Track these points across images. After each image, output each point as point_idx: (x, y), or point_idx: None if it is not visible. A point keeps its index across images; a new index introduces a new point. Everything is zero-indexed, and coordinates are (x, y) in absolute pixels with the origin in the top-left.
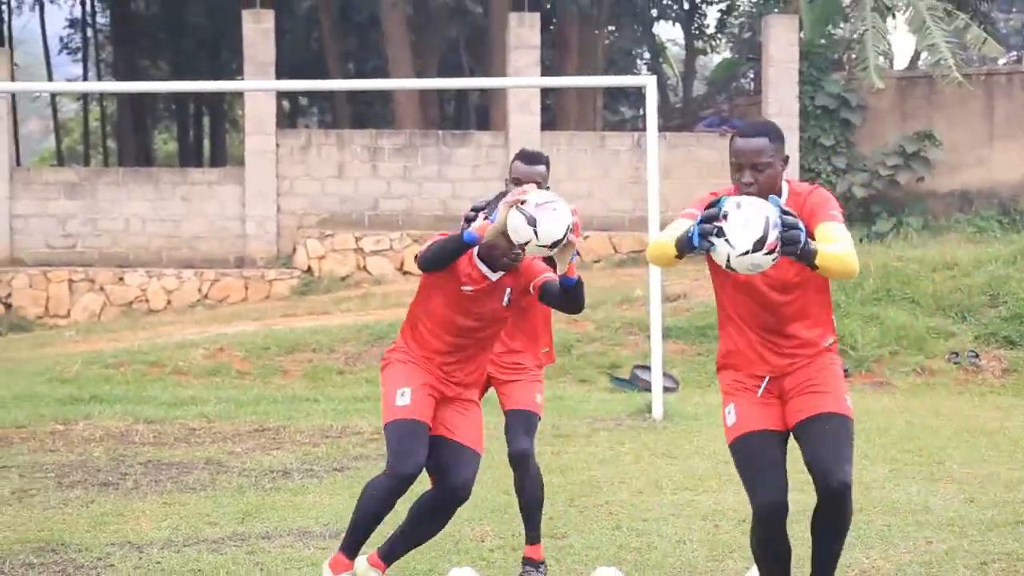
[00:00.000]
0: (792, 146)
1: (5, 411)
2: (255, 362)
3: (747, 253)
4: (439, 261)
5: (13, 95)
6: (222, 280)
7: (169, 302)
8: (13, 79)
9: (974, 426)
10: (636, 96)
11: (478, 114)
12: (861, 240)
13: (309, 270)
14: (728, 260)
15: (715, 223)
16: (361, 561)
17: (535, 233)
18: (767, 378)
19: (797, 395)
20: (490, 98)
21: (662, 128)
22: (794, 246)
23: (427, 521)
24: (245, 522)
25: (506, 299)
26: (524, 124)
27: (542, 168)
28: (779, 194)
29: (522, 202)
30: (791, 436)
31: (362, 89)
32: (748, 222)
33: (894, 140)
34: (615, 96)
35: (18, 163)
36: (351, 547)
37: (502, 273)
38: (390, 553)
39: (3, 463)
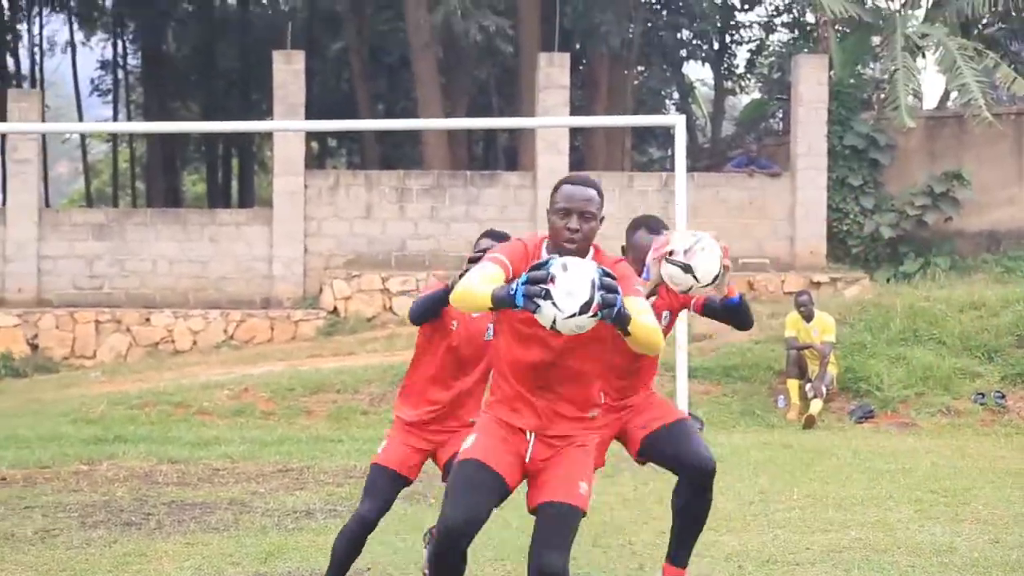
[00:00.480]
0: (820, 186)
1: (30, 451)
2: (280, 403)
3: (573, 316)
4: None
5: (44, 137)
6: (248, 321)
7: (195, 343)
8: (44, 120)
9: (1000, 467)
10: (664, 137)
11: (506, 155)
12: (888, 280)
13: (335, 311)
14: (554, 322)
15: (542, 285)
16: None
17: (695, 278)
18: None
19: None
20: (519, 139)
21: (690, 168)
22: (611, 308)
23: (691, 506)
24: (268, 562)
25: (663, 321)
26: (553, 164)
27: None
28: (588, 253)
29: (670, 253)
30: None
31: (391, 129)
32: (575, 285)
33: (922, 180)
34: (643, 137)
35: (47, 204)
36: None
37: (654, 299)
38: (680, 555)
39: (27, 503)
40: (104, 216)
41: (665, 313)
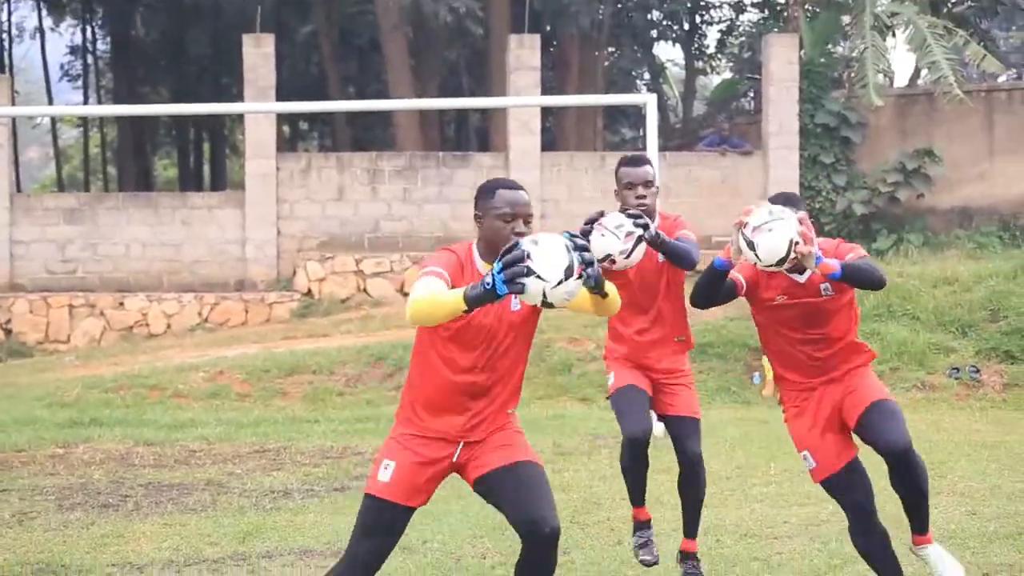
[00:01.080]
0: (792, 164)
1: (5, 435)
2: (255, 384)
3: (561, 283)
4: (705, 295)
5: (13, 122)
6: (222, 304)
7: (169, 326)
8: (14, 105)
9: (975, 440)
10: (636, 117)
11: (478, 136)
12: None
13: (309, 293)
14: (544, 296)
15: (521, 264)
16: None
17: (757, 256)
18: None
19: None
20: (490, 120)
21: (662, 148)
22: (592, 266)
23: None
24: (246, 542)
25: (824, 291)
26: (524, 145)
27: (648, 168)
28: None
29: (744, 224)
30: None
31: (362, 110)
32: (552, 254)
33: (894, 157)
34: (615, 117)
35: (18, 189)
36: None
37: (807, 272)
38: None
39: (3, 486)
40: (76, 200)
41: (823, 286)
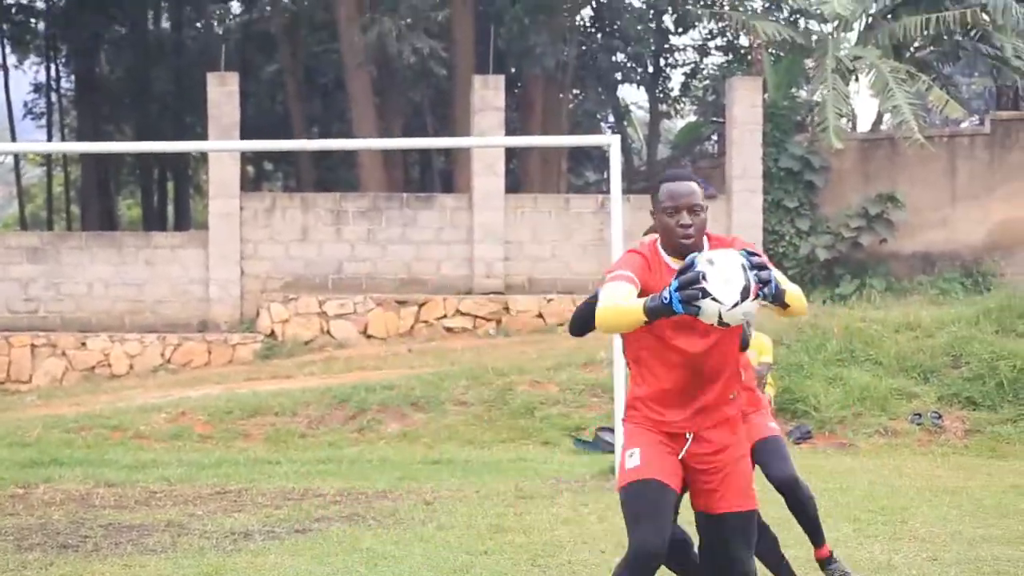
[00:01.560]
0: (756, 208)
1: None
2: (217, 425)
3: (737, 305)
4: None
5: None
6: (185, 344)
7: (132, 367)
8: None
9: (937, 486)
10: (600, 160)
11: (442, 178)
12: (824, 302)
13: (272, 334)
14: (720, 317)
15: (696, 286)
16: None
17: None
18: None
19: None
20: (455, 161)
21: (626, 190)
22: (769, 285)
23: None
24: None
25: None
26: (488, 186)
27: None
28: (703, 247)
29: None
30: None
31: (326, 149)
32: (728, 275)
33: (857, 202)
34: (579, 159)
35: None
36: None
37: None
38: None
39: None
40: (39, 240)
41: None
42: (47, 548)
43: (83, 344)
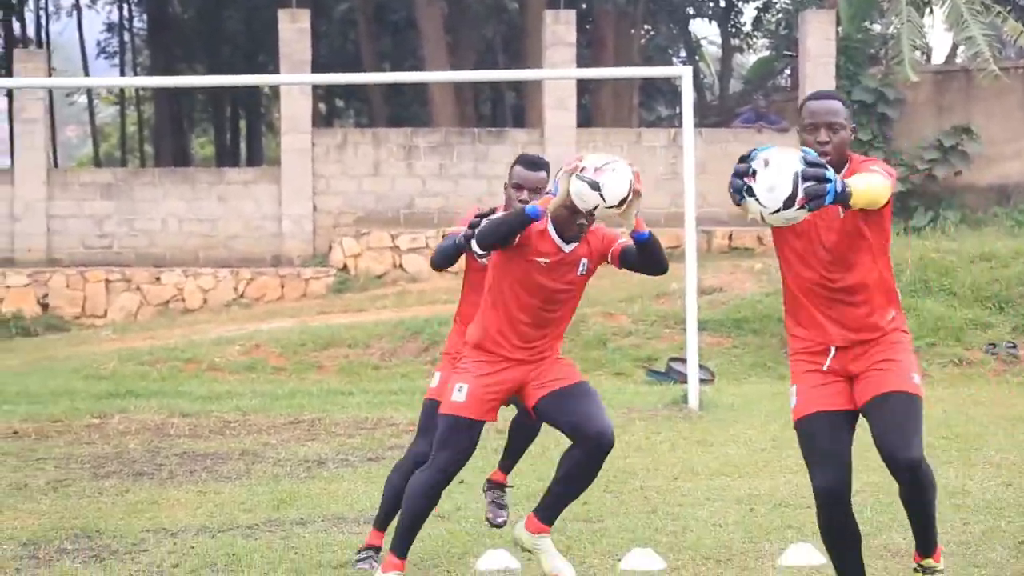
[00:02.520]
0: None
1: (42, 406)
2: (291, 358)
3: (778, 211)
4: (499, 237)
5: (51, 98)
6: (258, 279)
7: (205, 301)
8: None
9: (1011, 414)
10: (672, 94)
11: (514, 113)
12: (898, 233)
13: (345, 268)
14: (762, 217)
15: (744, 180)
16: (521, 531)
17: (601, 196)
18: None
19: (864, 374)
20: (526, 96)
21: (698, 124)
22: (820, 199)
23: (577, 476)
24: (280, 509)
25: (581, 269)
26: (560, 121)
27: (543, 174)
28: (845, 163)
29: (581, 169)
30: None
31: (398, 82)
32: (777, 180)
33: (932, 134)
34: (650, 94)
35: (55, 165)
36: (402, 546)
37: (575, 244)
38: (549, 516)
39: (39, 455)
40: (112, 176)
41: (583, 261)
42: (123, 475)
43: (157, 279)
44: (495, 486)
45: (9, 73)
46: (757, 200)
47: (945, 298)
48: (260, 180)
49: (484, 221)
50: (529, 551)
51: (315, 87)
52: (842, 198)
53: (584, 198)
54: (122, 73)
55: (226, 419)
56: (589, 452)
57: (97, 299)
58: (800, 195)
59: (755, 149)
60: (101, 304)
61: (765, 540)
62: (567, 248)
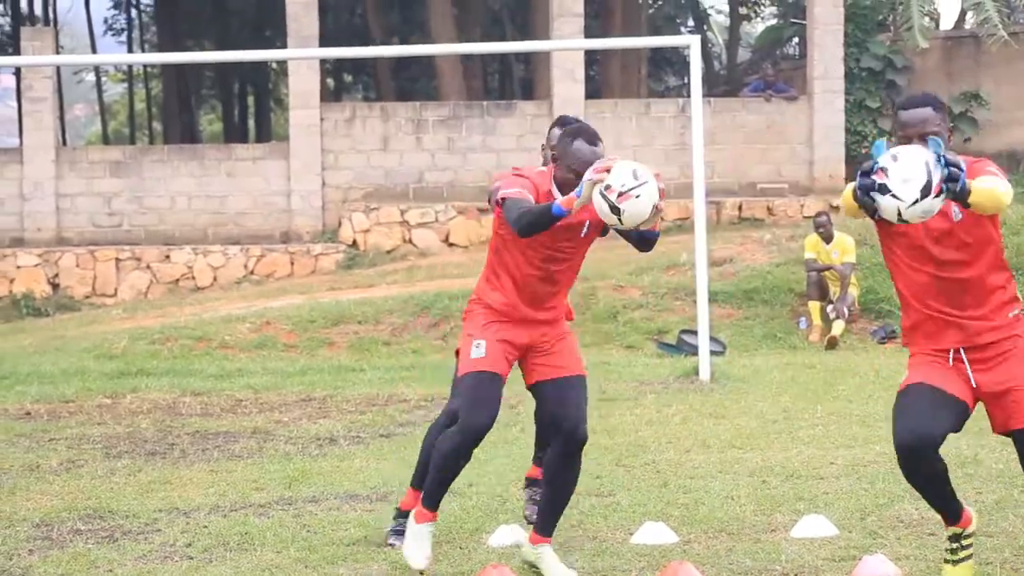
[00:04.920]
0: (838, 109)
1: (53, 386)
2: (301, 335)
3: (916, 203)
4: (537, 231)
5: (59, 76)
6: (268, 256)
7: (215, 279)
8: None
9: None
10: (680, 64)
11: (522, 85)
12: None
13: (354, 244)
14: (899, 214)
15: (874, 178)
16: (526, 548)
17: (619, 220)
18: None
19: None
20: (534, 69)
21: (707, 94)
22: (955, 183)
23: (561, 475)
24: (292, 487)
25: (584, 231)
26: (568, 93)
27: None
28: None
29: (607, 187)
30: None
31: (405, 55)
32: (910, 171)
33: None
34: (659, 64)
35: (64, 143)
36: (432, 501)
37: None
38: (546, 524)
39: (52, 435)
40: (121, 153)
41: (587, 223)
42: (135, 455)
43: (167, 257)
44: (533, 482)
45: (17, 51)
46: (893, 195)
47: None
48: (269, 156)
49: (522, 213)
50: (534, 564)
51: (323, 62)
52: (964, 193)
53: (604, 215)
54: (129, 49)
55: (237, 397)
56: (564, 443)
57: (107, 278)
58: (936, 182)
59: (879, 144)
60: (111, 283)
61: (777, 512)
62: (582, 233)
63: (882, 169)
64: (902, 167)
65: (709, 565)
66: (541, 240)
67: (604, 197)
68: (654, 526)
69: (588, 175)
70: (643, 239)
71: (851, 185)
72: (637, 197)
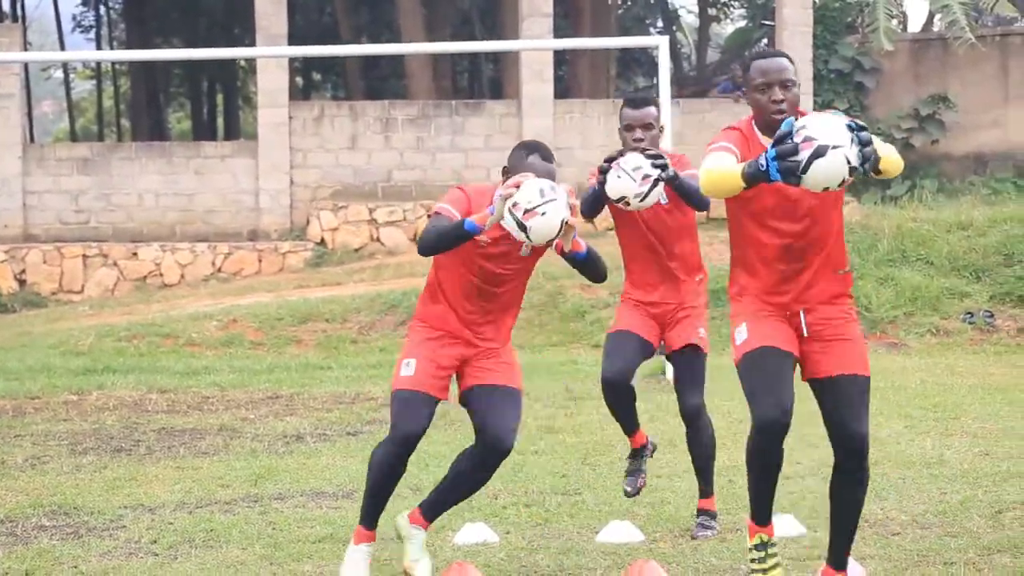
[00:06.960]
0: (806, 110)
1: (19, 383)
2: (268, 332)
3: (855, 169)
4: (440, 247)
5: (27, 73)
6: (235, 253)
7: (183, 276)
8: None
9: (989, 383)
10: (649, 64)
11: (491, 85)
12: (875, 203)
13: (322, 242)
14: (842, 183)
15: (795, 158)
16: (402, 519)
17: (527, 237)
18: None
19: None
20: (503, 69)
21: (676, 95)
22: (870, 145)
23: (467, 476)
24: (258, 484)
25: (526, 251)
26: (537, 92)
27: (651, 109)
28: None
29: (514, 204)
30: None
31: (374, 54)
32: (835, 138)
33: (909, 103)
34: (628, 65)
35: (31, 140)
36: (368, 518)
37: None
38: (432, 510)
39: (17, 432)
40: (89, 151)
41: (527, 245)
42: (101, 452)
43: (134, 254)
44: (636, 453)
45: None
46: (842, 152)
47: (922, 267)
48: (237, 154)
49: (431, 228)
50: (402, 539)
51: (292, 61)
52: (875, 159)
53: (512, 231)
54: (98, 47)
55: (204, 395)
56: (485, 450)
57: (74, 275)
58: (856, 144)
59: (787, 128)
60: (78, 280)
61: (743, 511)
62: (524, 252)
63: (805, 140)
64: (823, 134)
65: (675, 564)
66: (475, 260)
67: (511, 214)
68: (620, 525)
69: (499, 191)
70: (584, 267)
71: (718, 166)
72: (543, 215)
